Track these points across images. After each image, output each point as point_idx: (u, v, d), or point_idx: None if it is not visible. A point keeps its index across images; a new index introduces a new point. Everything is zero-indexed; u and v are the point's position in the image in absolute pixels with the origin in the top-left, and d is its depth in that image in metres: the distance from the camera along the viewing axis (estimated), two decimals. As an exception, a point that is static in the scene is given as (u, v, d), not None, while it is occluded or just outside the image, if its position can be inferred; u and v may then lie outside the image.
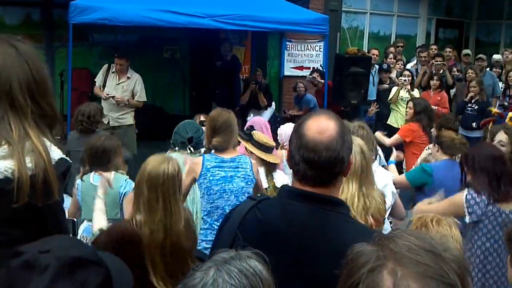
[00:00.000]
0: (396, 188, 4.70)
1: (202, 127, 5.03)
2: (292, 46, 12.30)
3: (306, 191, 1.97)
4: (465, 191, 3.84)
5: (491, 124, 8.29)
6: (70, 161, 2.14)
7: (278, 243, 1.95)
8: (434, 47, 12.49)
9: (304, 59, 12.39)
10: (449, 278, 1.18)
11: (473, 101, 9.34)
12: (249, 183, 4.27)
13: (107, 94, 8.18)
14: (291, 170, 2.04)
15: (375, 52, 11.23)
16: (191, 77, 11.53)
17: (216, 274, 1.54)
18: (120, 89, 8.31)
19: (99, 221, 3.60)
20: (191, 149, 4.96)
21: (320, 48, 12.15)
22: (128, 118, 8.39)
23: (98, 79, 8.45)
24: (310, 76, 11.00)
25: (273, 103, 10.96)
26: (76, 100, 8.74)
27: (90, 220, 3.98)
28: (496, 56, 12.57)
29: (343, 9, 13.47)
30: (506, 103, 10.04)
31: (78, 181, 4.46)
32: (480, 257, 3.76)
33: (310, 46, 12.35)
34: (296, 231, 1.95)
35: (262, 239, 1.97)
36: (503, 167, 3.81)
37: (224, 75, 10.54)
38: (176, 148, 5.00)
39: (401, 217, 4.73)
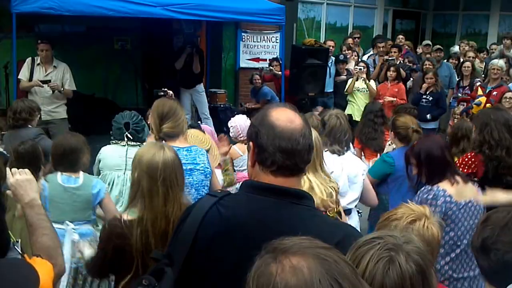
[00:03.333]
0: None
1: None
2: (248, 37, 12.08)
3: (272, 185, 1.95)
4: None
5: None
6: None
7: (244, 239, 1.88)
8: (389, 42, 12.51)
9: (260, 50, 12.20)
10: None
11: (427, 93, 9.30)
12: (207, 176, 4.10)
13: (38, 80, 7.85)
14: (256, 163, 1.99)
15: (331, 43, 11.13)
16: (144, 69, 11.22)
17: None
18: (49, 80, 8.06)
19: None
20: (129, 136, 4.75)
21: (276, 39, 11.99)
22: (61, 112, 8.16)
23: (23, 74, 8.06)
24: (267, 68, 10.85)
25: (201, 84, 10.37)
26: (22, 93, 8.36)
27: (61, 223, 3.84)
28: (454, 48, 12.65)
29: (299, -1, 13.33)
30: (460, 94, 10.05)
31: (42, 182, 4.18)
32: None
33: (266, 37, 12.18)
34: (263, 226, 1.89)
35: (227, 235, 1.93)
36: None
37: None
38: (112, 138, 4.82)
39: (372, 204, 4.75)
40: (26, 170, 2.64)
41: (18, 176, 2.57)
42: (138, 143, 4.77)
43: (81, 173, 4.24)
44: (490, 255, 2.05)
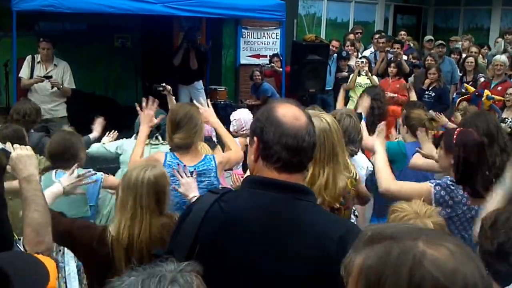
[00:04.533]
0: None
1: None
2: (248, 33, 12.04)
3: (275, 180, 1.95)
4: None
5: (464, 103, 8.10)
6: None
7: (247, 234, 1.91)
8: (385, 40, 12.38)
9: (261, 46, 12.16)
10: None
11: (430, 88, 9.26)
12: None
13: (39, 76, 7.85)
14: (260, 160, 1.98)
15: (336, 44, 10.94)
16: (144, 67, 11.17)
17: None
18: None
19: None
20: (159, 138, 4.73)
21: (277, 35, 11.96)
22: (61, 110, 8.17)
23: (24, 73, 8.08)
24: (268, 65, 10.81)
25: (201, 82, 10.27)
26: (22, 92, 8.34)
27: None
28: (457, 43, 12.60)
29: (300, -5, 13.29)
30: (463, 90, 10.00)
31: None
32: None
33: (267, 33, 12.13)
34: (266, 221, 1.91)
35: (230, 230, 1.94)
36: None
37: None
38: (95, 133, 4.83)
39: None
40: (28, 146, 2.67)
41: (19, 151, 2.59)
42: (161, 143, 4.72)
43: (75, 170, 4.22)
44: (509, 259, 2.02)
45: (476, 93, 7.40)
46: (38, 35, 8.99)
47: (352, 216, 4.45)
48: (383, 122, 4.54)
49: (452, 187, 3.49)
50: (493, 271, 2.13)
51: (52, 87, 7.94)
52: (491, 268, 2.14)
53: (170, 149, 3.98)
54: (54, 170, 4.19)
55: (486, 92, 7.22)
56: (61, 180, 3.60)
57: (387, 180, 3.59)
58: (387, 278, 1.11)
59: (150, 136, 4.66)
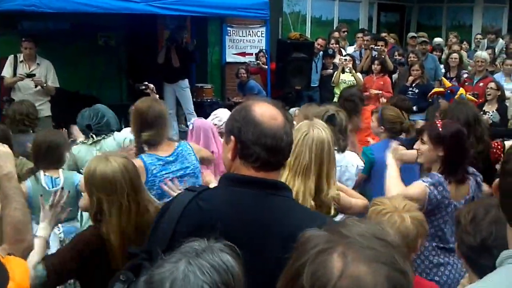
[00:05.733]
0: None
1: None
2: (233, 31, 12.06)
3: (252, 177, 1.96)
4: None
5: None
6: None
7: (225, 231, 1.84)
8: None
9: (246, 44, 12.18)
10: (400, 265, 1.17)
11: (413, 85, 9.33)
12: (198, 176, 3.97)
13: (21, 75, 7.80)
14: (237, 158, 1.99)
15: (321, 42, 10.97)
16: (128, 65, 11.13)
17: (187, 269, 1.45)
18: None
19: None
20: (93, 136, 4.69)
21: (262, 33, 11.96)
22: (45, 110, 8.10)
23: (6, 71, 8.05)
24: (255, 62, 10.82)
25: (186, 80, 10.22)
26: (5, 91, 8.27)
27: None
28: (437, 39, 12.70)
29: (284, -7, 13.32)
30: (441, 84, 10.08)
31: (27, 183, 4.14)
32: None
33: (252, 31, 12.14)
34: (244, 218, 1.92)
35: (208, 228, 1.87)
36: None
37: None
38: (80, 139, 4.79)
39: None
40: (5, 144, 2.62)
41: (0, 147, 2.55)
42: (97, 140, 4.70)
43: (60, 171, 4.21)
44: (493, 253, 2.05)
45: (449, 90, 7.43)
46: (21, 34, 8.92)
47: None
48: (395, 142, 4.51)
49: (443, 186, 3.53)
50: (475, 265, 2.15)
51: (36, 86, 7.90)
52: (474, 262, 2.17)
53: (136, 147, 3.95)
54: (41, 172, 4.16)
55: (461, 90, 7.25)
56: (40, 231, 3.18)
57: (395, 187, 3.61)
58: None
59: (86, 137, 4.72)
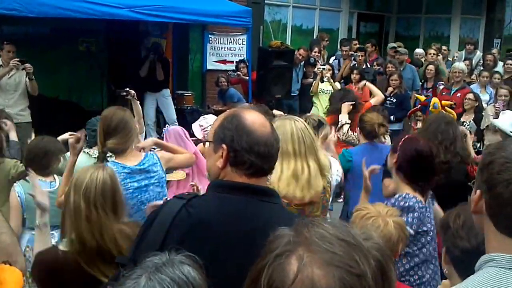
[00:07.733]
0: None
1: None
2: (215, 39, 12.07)
3: (246, 183, 1.99)
4: None
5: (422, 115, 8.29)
6: None
7: (216, 238, 1.91)
8: (355, 42, 12.72)
9: (228, 52, 12.20)
10: (357, 268, 1.16)
11: (391, 95, 9.46)
12: (163, 186, 3.96)
13: (14, 61, 7.76)
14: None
15: (303, 53, 11.02)
16: (109, 71, 11.09)
17: (148, 284, 1.47)
18: (13, 82, 7.98)
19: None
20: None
21: (243, 41, 12.01)
22: (26, 115, 8.08)
23: None
24: (235, 73, 10.86)
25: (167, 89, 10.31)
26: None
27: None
28: (418, 50, 12.90)
29: (265, 1, 13.38)
30: (424, 96, 10.24)
31: (17, 187, 4.13)
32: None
33: (233, 39, 12.18)
34: (235, 225, 1.93)
35: (199, 235, 1.93)
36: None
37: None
38: (88, 146, 4.66)
39: None
40: None
41: None
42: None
43: (56, 176, 4.22)
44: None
45: (423, 105, 7.74)
46: (1, 38, 8.87)
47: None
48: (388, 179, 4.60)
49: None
50: (468, 269, 2.17)
51: (27, 76, 7.85)
52: (466, 267, 2.19)
53: (103, 155, 3.91)
54: (34, 175, 4.07)
55: (433, 100, 7.45)
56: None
57: None
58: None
59: (93, 140, 4.59)
